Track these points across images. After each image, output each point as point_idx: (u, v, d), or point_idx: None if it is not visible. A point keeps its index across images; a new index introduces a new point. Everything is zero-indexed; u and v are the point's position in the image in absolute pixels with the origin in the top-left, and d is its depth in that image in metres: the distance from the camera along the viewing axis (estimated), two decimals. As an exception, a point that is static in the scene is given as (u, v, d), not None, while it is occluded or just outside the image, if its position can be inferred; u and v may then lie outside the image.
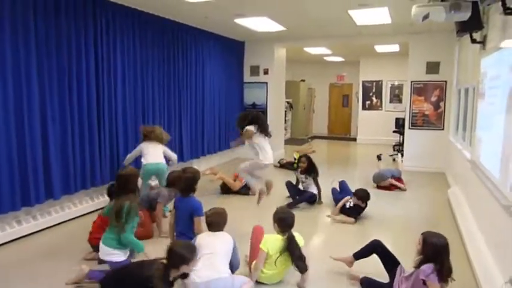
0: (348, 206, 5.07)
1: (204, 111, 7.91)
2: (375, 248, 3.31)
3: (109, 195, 4.00)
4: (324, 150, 12.28)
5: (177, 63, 6.91)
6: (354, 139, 13.36)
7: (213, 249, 3.04)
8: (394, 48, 10.26)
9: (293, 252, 3.14)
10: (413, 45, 8.18)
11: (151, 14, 6.15)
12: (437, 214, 5.33)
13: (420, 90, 8.13)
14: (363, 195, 5.01)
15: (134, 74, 5.86)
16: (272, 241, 3.21)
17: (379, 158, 7.99)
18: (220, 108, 8.57)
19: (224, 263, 3.05)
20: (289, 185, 5.82)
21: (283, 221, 3.23)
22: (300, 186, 5.82)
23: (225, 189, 6.18)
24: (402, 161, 8.50)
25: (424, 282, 2.65)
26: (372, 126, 12.77)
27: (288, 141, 12.01)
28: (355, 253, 3.44)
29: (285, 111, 11.86)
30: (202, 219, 3.36)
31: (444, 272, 2.64)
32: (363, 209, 5.05)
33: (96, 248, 3.44)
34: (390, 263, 3.17)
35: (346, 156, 11.16)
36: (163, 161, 5.08)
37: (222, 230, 3.23)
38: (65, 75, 4.63)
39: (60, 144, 4.63)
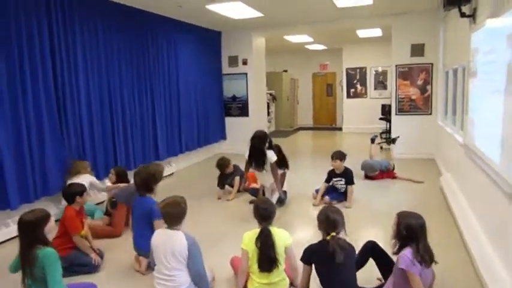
0: (339, 189, 5.12)
1: (180, 106, 7.45)
2: (371, 252, 2.93)
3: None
4: (309, 141, 11.96)
5: (147, 56, 6.43)
6: (340, 129, 13.07)
7: (165, 256, 2.67)
8: (377, 32, 9.92)
9: (261, 247, 2.67)
10: (396, 28, 7.85)
11: (115, 3, 5.66)
12: (431, 203, 5.00)
13: (405, 74, 7.82)
14: (334, 154, 5.11)
15: (99, 71, 5.39)
16: (248, 236, 2.78)
17: (372, 140, 6.77)
18: (198, 102, 8.11)
19: (182, 272, 2.68)
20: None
21: (256, 211, 2.83)
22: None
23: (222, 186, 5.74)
24: (390, 148, 8.21)
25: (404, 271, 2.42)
26: (358, 114, 12.47)
27: (272, 134, 11.60)
28: None
29: (268, 103, 11.47)
30: (162, 222, 2.86)
31: (420, 253, 2.41)
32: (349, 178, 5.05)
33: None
34: (387, 265, 2.80)
35: (331, 147, 10.78)
36: None
37: (179, 224, 2.76)
38: (15, 76, 4.15)
39: (13, 149, 4.16)
